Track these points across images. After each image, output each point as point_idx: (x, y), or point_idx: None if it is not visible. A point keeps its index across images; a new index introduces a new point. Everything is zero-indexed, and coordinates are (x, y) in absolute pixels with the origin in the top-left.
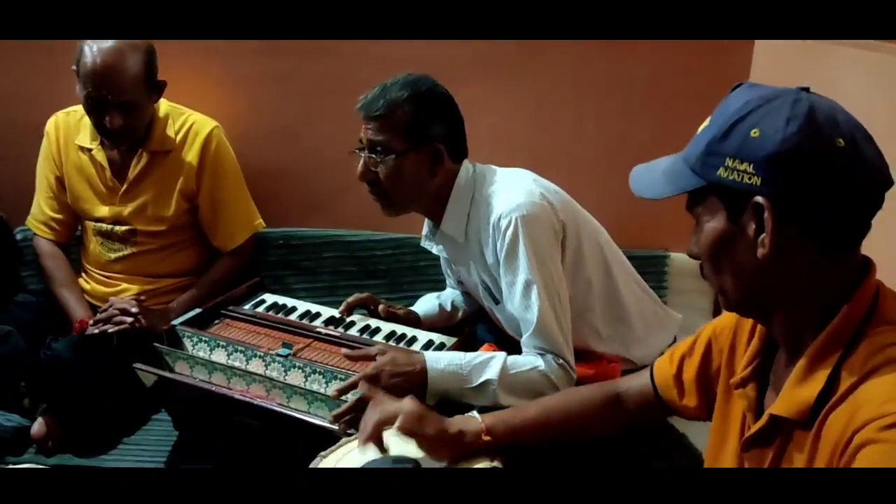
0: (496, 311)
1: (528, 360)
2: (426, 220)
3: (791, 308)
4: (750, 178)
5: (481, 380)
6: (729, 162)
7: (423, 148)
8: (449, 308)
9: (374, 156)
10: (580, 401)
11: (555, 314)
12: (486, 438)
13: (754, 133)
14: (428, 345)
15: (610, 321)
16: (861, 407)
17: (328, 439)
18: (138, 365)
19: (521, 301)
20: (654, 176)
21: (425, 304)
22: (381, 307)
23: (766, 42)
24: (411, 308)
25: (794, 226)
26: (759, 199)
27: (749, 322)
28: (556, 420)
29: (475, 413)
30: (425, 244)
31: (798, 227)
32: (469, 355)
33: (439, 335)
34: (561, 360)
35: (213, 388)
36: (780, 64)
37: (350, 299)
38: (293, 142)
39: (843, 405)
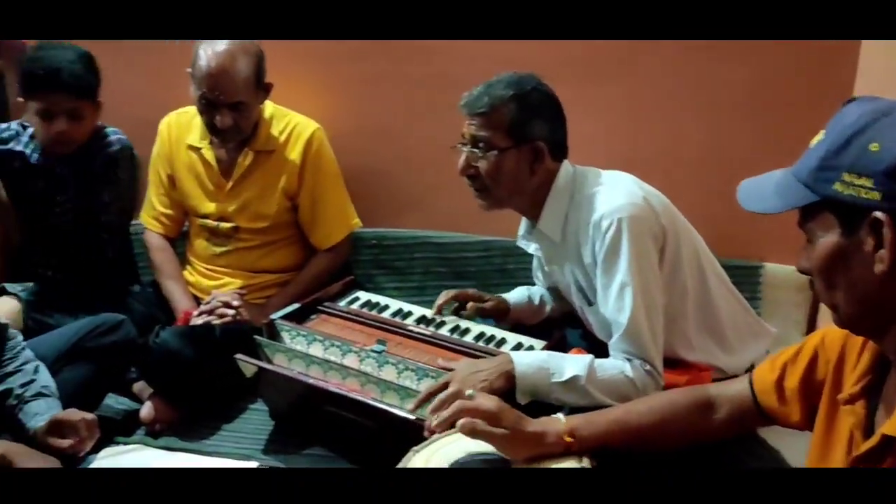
0: (588, 312)
1: (616, 364)
2: (523, 218)
3: None
4: (868, 193)
5: (569, 375)
6: (846, 176)
7: (525, 146)
8: (537, 302)
9: (475, 151)
10: (668, 404)
11: (647, 319)
12: (569, 440)
13: (873, 147)
14: (517, 347)
15: (702, 330)
16: None
17: (420, 434)
18: (239, 356)
19: (614, 303)
20: (763, 190)
21: (517, 294)
22: (469, 305)
23: (873, 42)
24: (502, 295)
25: None
26: (878, 214)
27: (860, 337)
28: (642, 423)
29: (560, 415)
30: (521, 242)
31: None
32: (557, 354)
33: (529, 338)
34: (648, 367)
35: (310, 380)
36: (890, 67)
37: (441, 300)
38: (389, 143)
39: None
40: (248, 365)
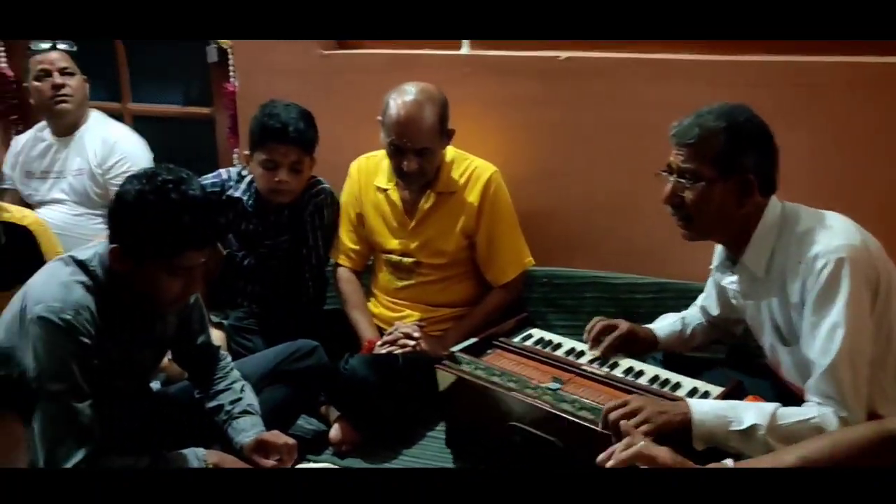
0: (781, 352)
1: (803, 412)
2: (718, 248)
3: None
4: None
5: (748, 424)
6: None
7: (733, 178)
8: (689, 332)
9: (682, 181)
10: (850, 444)
11: (852, 365)
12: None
13: None
14: (692, 392)
15: None
16: None
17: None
18: (440, 365)
19: (822, 344)
20: None
21: (667, 324)
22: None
23: None
24: (649, 327)
25: None
26: None
27: None
28: (821, 465)
29: (729, 461)
30: (715, 275)
31: None
32: (737, 402)
33: (704, 383)
34: (844, 414)
35: (507, 391)
36: None
37: (595, 327)
38: (564, 186)
39: None
40: (445, 377)
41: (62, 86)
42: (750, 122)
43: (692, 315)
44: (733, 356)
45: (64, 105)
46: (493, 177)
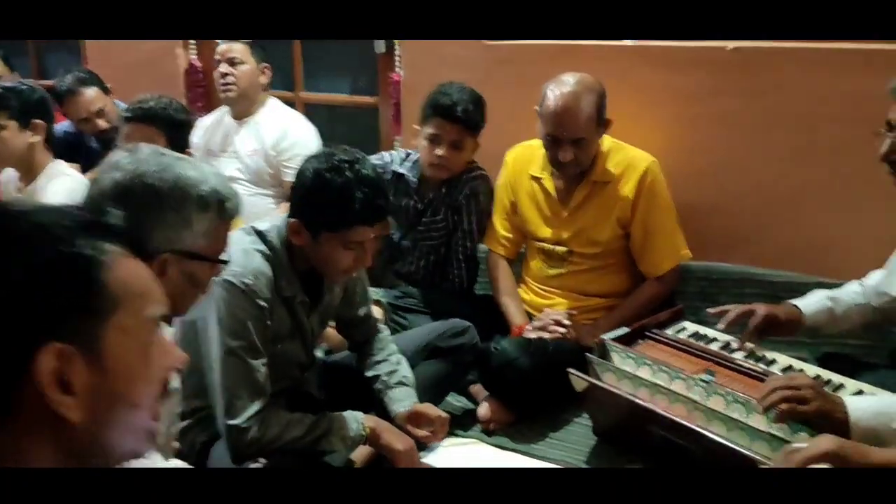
0: None
1: None
2: None
3: None
4: None
5: None
6: None
7: None
8: (840, 311)
9: None
10: None
11: None
12: None
13: None
14: (857, 395)
15: None
16: None
17: (746, 466)
18: (573, 371)
19: None
20: None
21: (814, 302)
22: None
23: None
24: (793, 303)
25: None
26: None
27: None
28: None
29: None
30: None
31: None
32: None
33: (870, 386)
34: None
35: (638, 401)
36: None
37: (731, 313)
38: (725, 180)
39: None
40: (579, 380)
41: (227, 75)
42: None
43: (848, 293)
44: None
45: (227, 93)
46: (651, 167)
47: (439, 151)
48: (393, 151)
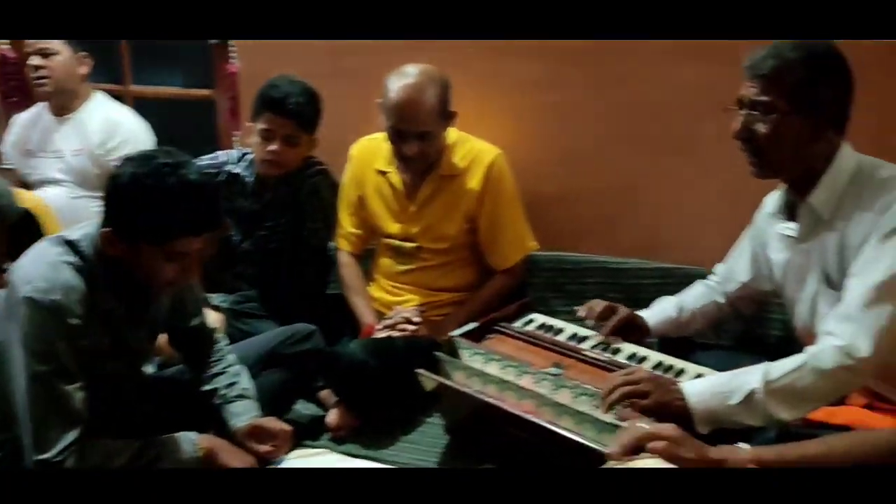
0: (823, 302)
1: (794, 360)
2: (774, 195)
3: None
4: None
5: (745, 391)
6: None
7: (809, 113)
8: (686, 317)
9: (754, 114)
10: (874, 446)
11: (893, 309)
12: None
13: None
14: (697, 377)
15: None
16: None
17: (595, 459)
18: (421, 371)
19: (871, 280)
20: None
21: (659, 310)
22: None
23: None
24: (640, 314)
25: None
26: None
27: None
28: (840, 463)
29: (743, 444)
30: (765, 220)
31: None
32: (729, 374)
33: (709, 369)
34: (851, 362)
35: (488, 399)
36: None
37: (597, 308)
38: (570, 170)
39: None
40: (428, 380)
41: (39, 68)
42: (828, 54)
43: (693, 297)
44: (731, 337)
45: (42, 88)
46: (497, 160)
47: (272, 147)
48: (229, 151)
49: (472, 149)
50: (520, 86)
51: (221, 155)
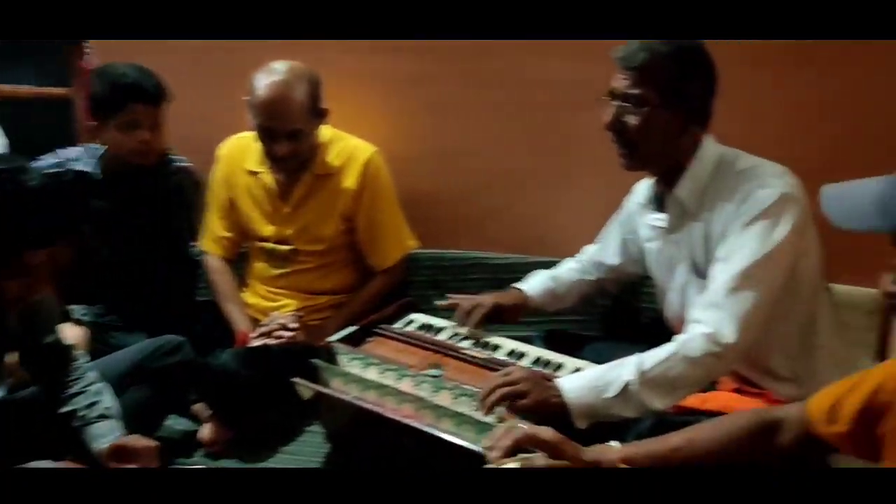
0: (692, 291)
1: (665, 349)
2: (642, 186)
3: None
4: None
5: (620, 384)
6: None
7: (678, 105)
8: (561, 291)
9: (626, 106)
10: (731, 430)
11: (757, 290)
12: (623, 467)
13: None
14: (576, 371)
15: (799, 340)
16: None
17: (477, 461)
18: (297, 379)
19: (734, 268)
20: (858, 204)
21: (537, 282)
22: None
23: None
24: (518, 286)
25: None
26: None
27: None
28: (703, 450)
29: (615, 442)
30: (636, 209)
31: None
32: (604, 367)
33: (587, 362)
34: (718, 349)
35: (365, 405)
36: None
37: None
38: (449, 166)
39: None
40: (305, 388)
41: None
42: (697, 50)
43: (566, 271)
44: (609, 329)
45: None
46: (373, 157)
47: (142, 137)
48: (72, 147)
49: (346, 147)
50: (394, 83)
51: (61, 152)
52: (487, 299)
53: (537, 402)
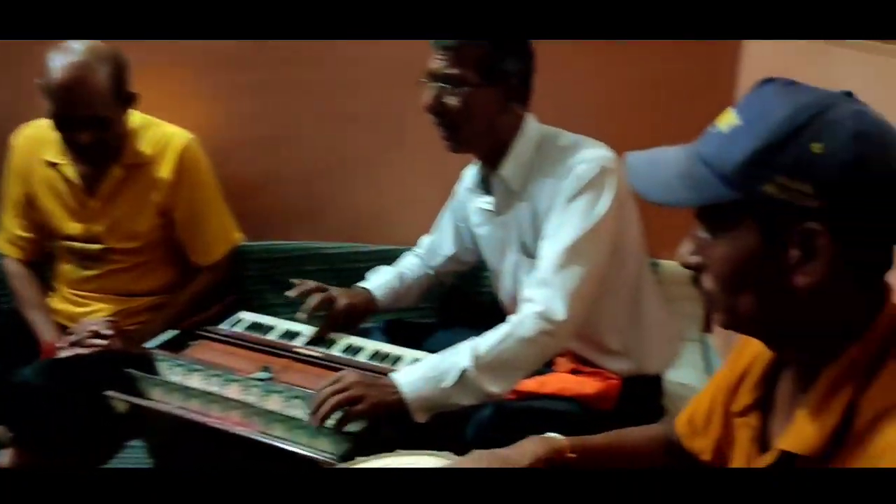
0: (524, 270)
1: (499, 332)
2: (471, 170)
3: (810, 334)
4: (806, 200)
5: (457, 371)
6: (781, 178)
7: (497, 84)
8: (405, 287)
9: (445, 87)
10: (654, 436)
11: (585, 264)
12: (572, 456)
13: (816, 148)
14: (413, 363)
15: (628, 315)
16: (883, 456)
17: (310, 467)
18: (110, 392)
19: (560, 244)
20: (664, 176)
21: (383, 283)
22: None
23: (755, 43)
24: (366, 287)
25: (843, 254)
26: (814, 224)
27: (752, 347)
28: (630, 446)
29: (552, 434)
30: (465, 194)
31: (845, 255)
32: (440, 354)
33: (426, 353)
34: (550, 327)
35: (188, 416)
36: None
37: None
38: (274, 152)
39: (863, 448)
40: (120, 402)
41: None
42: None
43: (408, 267)
44: (450, 316)
45: None
46: (190, 145)
47: None
48: None
49: (160, 134)
50: (210, 64)
51: None
52: (341, 300)
53: (373, 405)
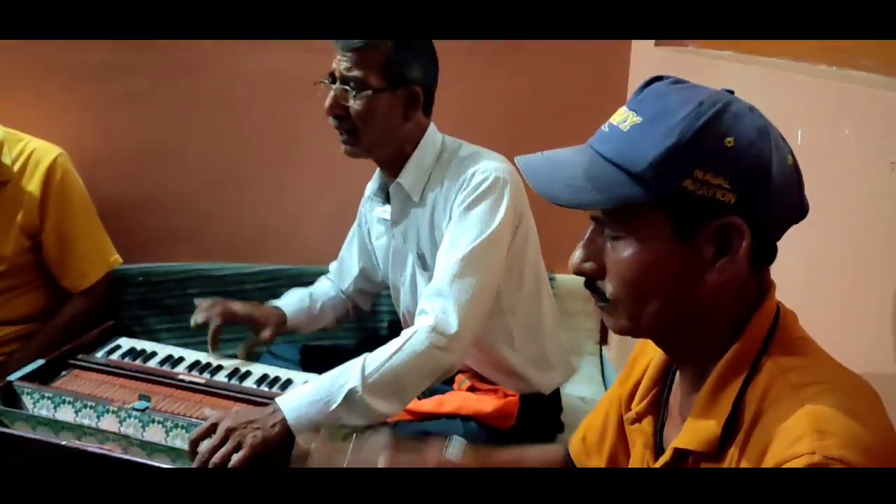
0: (421, 283)
1: (390, 347)
2: (373, 179)
3: (707, 332)
4: (723, 195)
5: (344, 392)
6: (699, 174)
7: (400, 90)
8: (317, 309)
9: (346, 89)
10: (532, 463)
11: (479, 275)
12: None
13: (728, 142)
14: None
15: (525, 332)
16: (770, 445)
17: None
18: None
19: (456, 254)
20: (567, 178)
21: (294, 300)
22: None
23: (643, 44)
24: (277, 304)
25: (752, 248)
26: (734, 219)
27: (645, 357)
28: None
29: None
30: (366, 206)
31: (754, 249)
32: (329, 373)
33: (315, 375)
34: (443, 341)
35: (63, 444)
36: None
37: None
38: (154, 168)
39: (752, 440)
40: None
41: None
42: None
43: (321, 290)
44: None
45: None
46: (58, 160)
47: None
48: None
49: (25, 149)
50: (80, 75)
51: None
52: (239, 308)
53: (254, 448)
